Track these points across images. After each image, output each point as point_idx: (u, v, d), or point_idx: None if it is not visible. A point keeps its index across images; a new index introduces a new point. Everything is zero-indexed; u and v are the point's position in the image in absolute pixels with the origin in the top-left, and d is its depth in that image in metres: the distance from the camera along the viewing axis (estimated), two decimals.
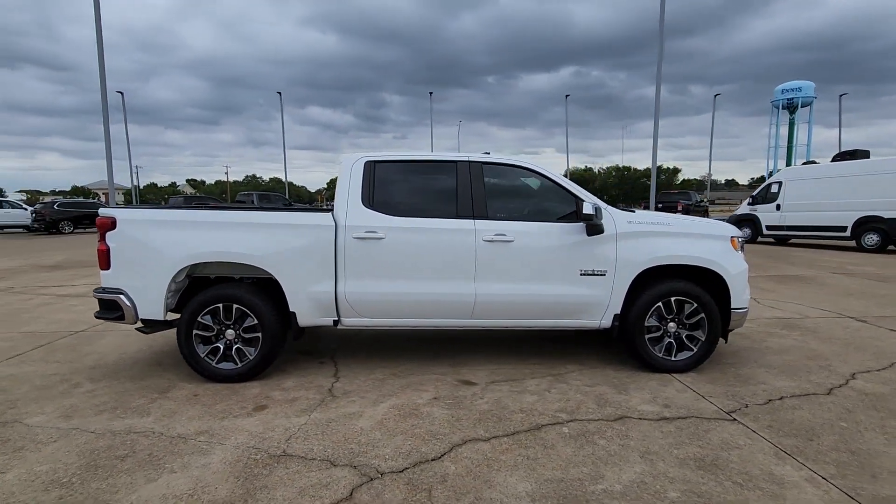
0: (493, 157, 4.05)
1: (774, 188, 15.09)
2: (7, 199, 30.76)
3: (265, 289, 3.89)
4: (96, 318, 3.84)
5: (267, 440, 2.92)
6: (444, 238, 3.82)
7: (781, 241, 16.08)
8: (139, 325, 3.84)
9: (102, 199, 79.55)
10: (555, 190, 4.02)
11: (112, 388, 3.74)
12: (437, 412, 3.29)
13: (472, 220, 3.86)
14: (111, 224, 3.74)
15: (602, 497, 2.34)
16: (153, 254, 3.71)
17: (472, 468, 2.60)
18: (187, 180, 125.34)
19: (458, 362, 4.30)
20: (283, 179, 46.15)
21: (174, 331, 3.92)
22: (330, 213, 3.85)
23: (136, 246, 3.73)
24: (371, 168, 3.95)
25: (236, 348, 3.82)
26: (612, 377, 3.92)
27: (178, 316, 3.89)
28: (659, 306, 3.93)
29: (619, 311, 3.93)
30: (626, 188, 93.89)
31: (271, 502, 2.32)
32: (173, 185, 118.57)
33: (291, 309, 3.81)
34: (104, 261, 3.75)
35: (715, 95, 38.61)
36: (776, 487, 2.41)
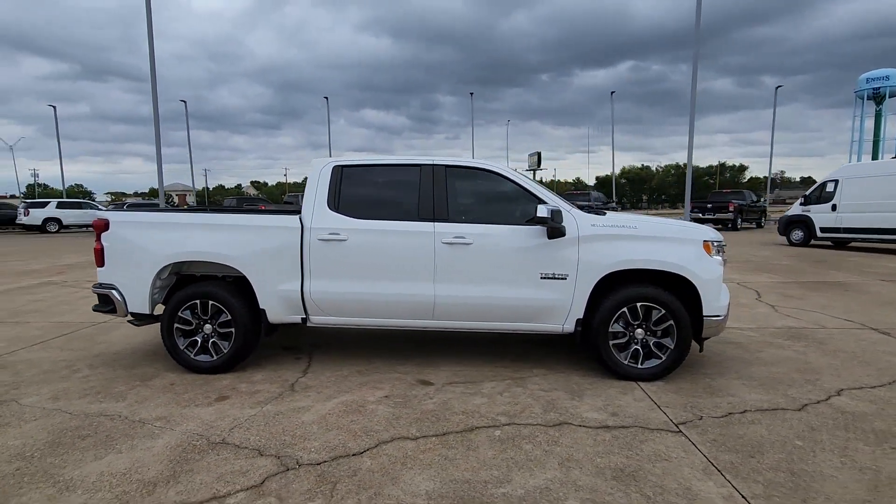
0: (458, 161, 4.08)
1: (830, 187, 13.95)
2: (85, 200, 33.95)
3: (240, 287, 4.14)
4: (93, 310, 4.24)
5: (213, 428, 3.12)
6: (404, 240, 3.91)
7: (840, 245, 14.84)
8: (129, 318, 4.19)
9: (176, 200, 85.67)
10: (520, 193, 4.00)
11: (104, 375, 4.11)
12: (381, 410, 3.38)
13: (432, 223, 3.92)
14: (105, 226, 4.11)
15: (499, 501, 2.35)
16: (139, 253, 4.05)
17: (386, 465, 2.68)
18: (251, 182, 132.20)
19: (426, 363, 4.37)
20: None
21: None
22: (298, 216, 4.03)
23: (125, 245, 4.08)
24: (339, 172, 4.10)
25: (212, 342, 4.09)
26: (573, 383, 3.85)
27: None
28: (624, 312, 3.82)
29: (581, 316, 3.85)
30: (685, 187, 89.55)
31: (189, 485, 2.50)
32: (238, 186, 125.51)
33: (261, 306, 4.03)
34: (99, 259, 4.12)
35: (776, 87, 35.94)
36: (685, 503, 2.32)
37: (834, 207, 13.75)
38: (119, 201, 54.31)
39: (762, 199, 27.60)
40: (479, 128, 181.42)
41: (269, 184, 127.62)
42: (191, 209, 4.89)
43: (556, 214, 3.68)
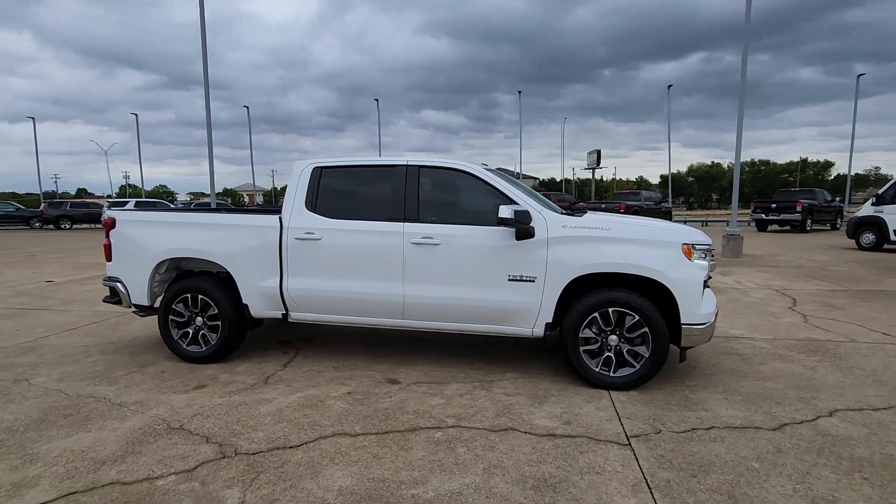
0: (431, 161, 4.09)
1: None
2: (161, 200, 36.98)
3: (228, 283, 4.37)
4: (103, 302, 4.64)
5: (178, 414, 3.34)
6: (374, 240, 3.97)
7: None
8: (133, 309, 4.55)
9: (246, 200, 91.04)
10: (491, 193, 3.94)
11: (110, 361, 4.48)
12: (337, 406, 3.47)
13: (401, 223, 3.95)
14: (113, 223, 4.48)
15: (406, 502, 2.35)
16: (140, 249, 4.39)
17: (315, 459, 2.75)
18: None
19: (402, 361, 4.40)
20: None
21: None
22: (278, 216, 4.20)
23: (129, 242, 4.44)
24: (318, 173, 4.23)
25: (202, 334, 4.35)
26: (541, 388, 3.75)
27: None
28: (596, 317, 3.66)
29: (550, 320, 3.74)
30: (761, 185, 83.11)
31: (132, 465, 2.70)
32: None
33: (244, 301, 4.24)
34: (108, 254, 4.51)
35: (858, 76, 32.62)
36: None
37: None
38: (197, 200, 58.58)
39: (836, 199, 25.21)
40: (540, 126, 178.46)
41: None
42: (185, 209, 5.22)
43: (520, 215, 3.60)
